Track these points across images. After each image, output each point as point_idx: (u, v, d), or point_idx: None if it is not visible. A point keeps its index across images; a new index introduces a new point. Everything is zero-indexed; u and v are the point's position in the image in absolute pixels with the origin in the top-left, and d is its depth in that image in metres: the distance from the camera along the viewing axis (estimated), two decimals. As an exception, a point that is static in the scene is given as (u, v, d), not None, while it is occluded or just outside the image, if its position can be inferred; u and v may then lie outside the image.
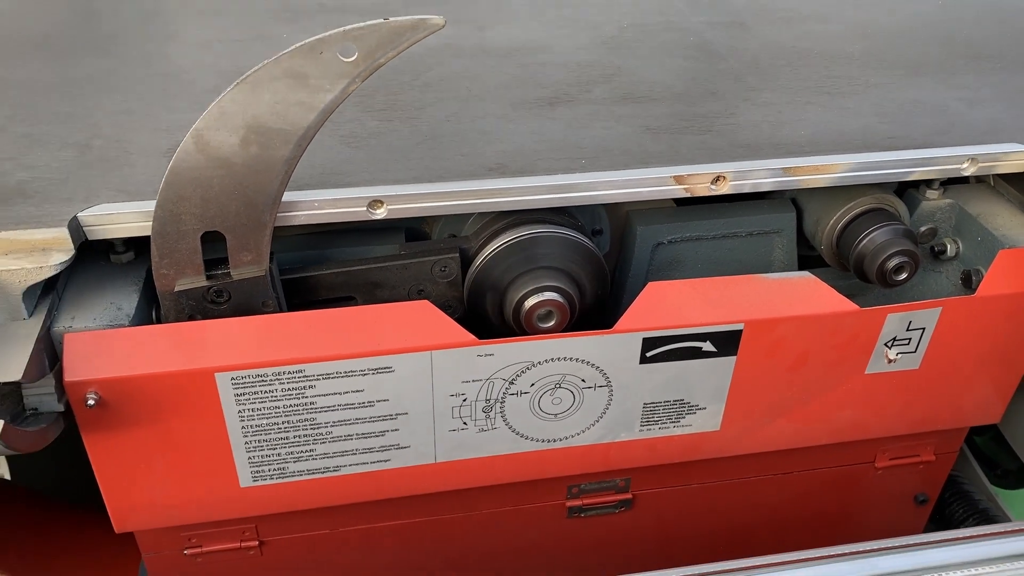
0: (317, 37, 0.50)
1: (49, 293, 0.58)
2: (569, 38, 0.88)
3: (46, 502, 0.96)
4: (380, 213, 0.61)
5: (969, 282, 0.73)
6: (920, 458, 0.82)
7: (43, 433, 0.56)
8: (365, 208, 0.60)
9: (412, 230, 0.70)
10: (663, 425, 0.69)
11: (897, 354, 0.69)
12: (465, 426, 0.66)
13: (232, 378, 0.58)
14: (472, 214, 0.68)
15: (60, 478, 1.02)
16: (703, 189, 0.65)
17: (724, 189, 0.66)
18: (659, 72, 0.81)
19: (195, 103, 0.72)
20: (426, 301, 0.62)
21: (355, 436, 0.64)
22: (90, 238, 0.57)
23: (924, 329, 0.68)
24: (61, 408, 0.57)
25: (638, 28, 0.90)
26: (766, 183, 0.66)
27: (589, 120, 0.72)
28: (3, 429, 0.50)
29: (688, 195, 0.66)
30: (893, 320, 0.67)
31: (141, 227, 0.58)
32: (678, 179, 0.65)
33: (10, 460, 0.98)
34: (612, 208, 0.72)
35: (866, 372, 0.69)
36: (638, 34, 0.89)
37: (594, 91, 0.77)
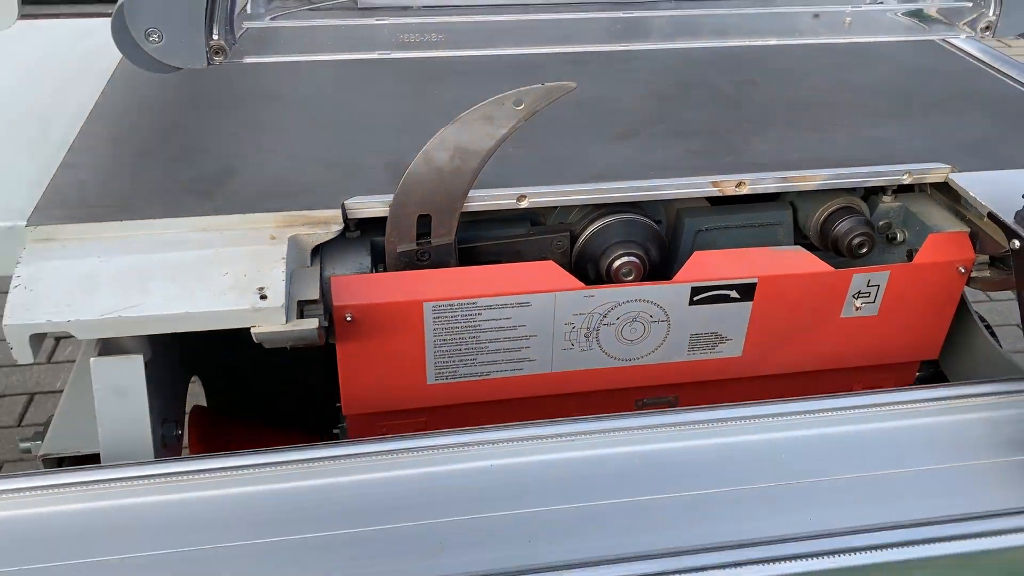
0: (503, 94, 0.85)
1: (317, 253, 0.93)
2: (632, 92, 1.23)
3: (246, 423, 1.30)
4: (523, 204, 0.95)
5: (911, 257, 1.07)
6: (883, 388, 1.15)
7: (321, 336, 0.90)
8: (515, 200, 0.95)
9: (533, 220, 1.05)
10: (703, 351, 1.02)
11: (861, 304, 1.02)
12: (572, 346, 0.99)
13: (433, 307, 0.92)
14: (577, 206, 1.02)
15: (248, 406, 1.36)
16: (730, 191, 1.00)
17: (744, 191, 1.00)
18: (698, 115, 1.16)
19: (390, 138, 1.07)
20: (551, 261, 0.97)
21: (502, 351, 0.98)
22: (350, 217, 0.92)
23: (879, 286, 1.02)
24: (326, 323, 0.90)
25: (681, 85, 1.26)
26: (772, 188, 1.01)
27: (651, 147, 1.07)
28: (318, 325, 0.84)
29: (719, 195, 1.00)
30: (858, 279, 1.00)
31: (378, 211, 0.93)
32: (714, 184, 0.99)
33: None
34: (667, 204, 1.06)
35: (841, 316, 1.03)
36: (681, 90, 1.24)
37: (654, 128, 1.12)
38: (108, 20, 0.74)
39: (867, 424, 0.80)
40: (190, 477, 0.73)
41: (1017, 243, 0.87)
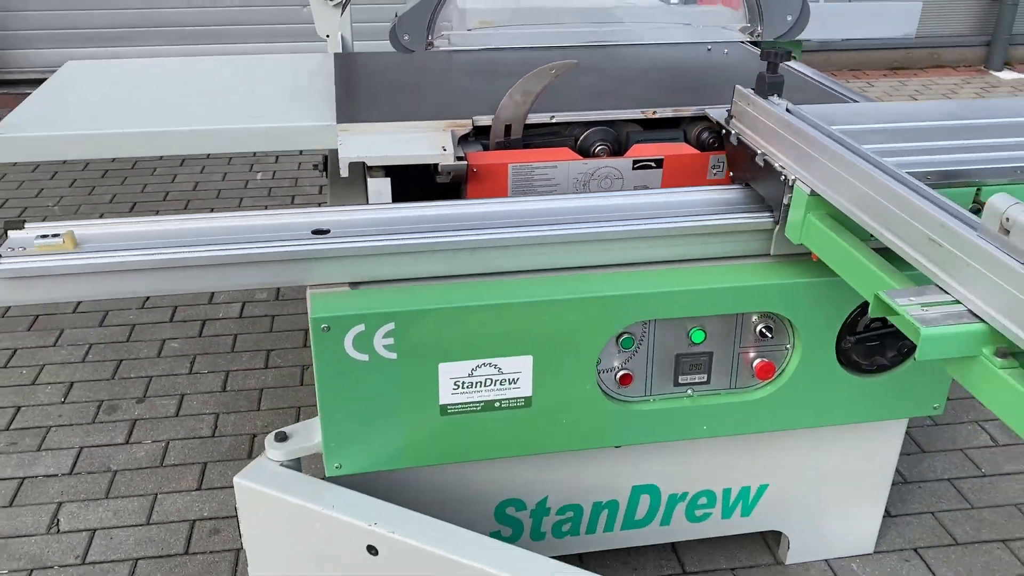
0: (543, 66, 1.93)
1: (462, 141, 2.00)
2: (597, 76, 2.32)
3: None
4: (553, 120, 2.03)
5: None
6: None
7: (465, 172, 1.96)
8: (549, 118, 2.03)
9: (557, 132, 2.12)
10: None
11: (715, 172, 2.09)
12: (576, 188, 2.06)
13: (512, 167, 1.99)
14: (579, 122, 2.09)
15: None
16: (649, 115, 2.07)
17: (654, 116, 2.07)
18: (628, 87, 2.26)
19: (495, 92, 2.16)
20: (566, 148, 2.04)
21: (542, 188, 2.05)
22: (475, 124, 1.99)
23: (723, 164, 2.08)
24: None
25: (618, 71, 2.36)
26: (668, 114, 2.08)
27: (613, 100, 2.16)
28: (466, 166, 1.90)
29: (645, 118, 2.07)
30: (712, 159, 2.07)
31: (486, 123, 2.00)
32: (643, 112, 2.07)
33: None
34: (622, 123, 2.14)
35: (707, 177, 2.09)
36: (619, 74, 2.34)
37: (609, 90, 2.21)
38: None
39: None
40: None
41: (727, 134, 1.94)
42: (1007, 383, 1.13)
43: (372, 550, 1.64)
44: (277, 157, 4.82)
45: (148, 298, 3.42)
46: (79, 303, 3.40)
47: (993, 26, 6.72)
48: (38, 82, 2.28)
